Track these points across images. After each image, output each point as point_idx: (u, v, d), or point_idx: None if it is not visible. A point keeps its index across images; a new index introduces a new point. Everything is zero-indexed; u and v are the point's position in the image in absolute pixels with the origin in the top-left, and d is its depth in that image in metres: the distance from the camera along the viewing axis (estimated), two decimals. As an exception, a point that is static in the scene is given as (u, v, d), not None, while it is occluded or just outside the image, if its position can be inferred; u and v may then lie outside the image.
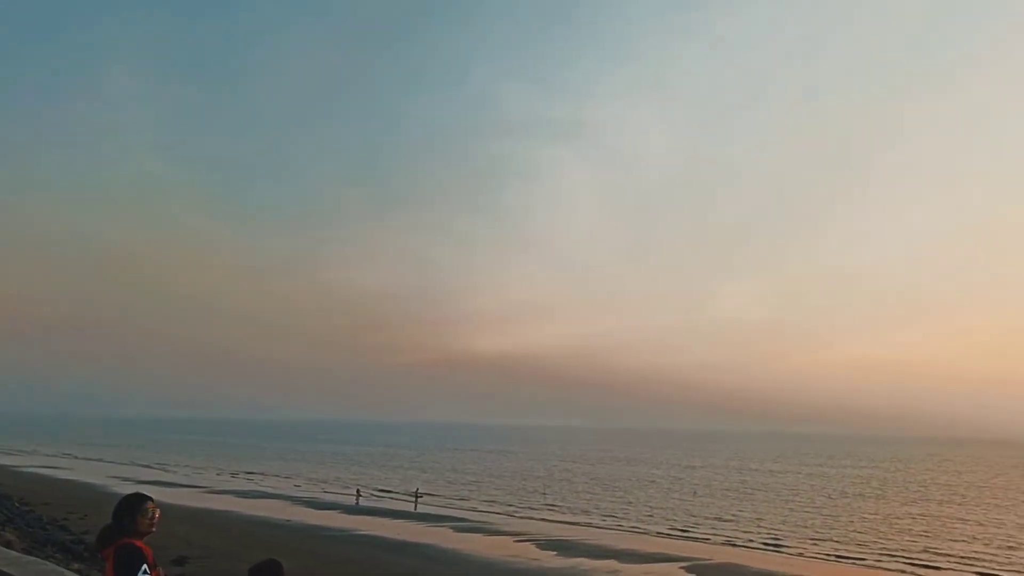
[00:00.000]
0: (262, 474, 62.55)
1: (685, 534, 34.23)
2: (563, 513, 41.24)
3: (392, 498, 47.10)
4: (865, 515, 42.08)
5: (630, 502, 47.16)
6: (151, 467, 66.84)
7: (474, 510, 41.96)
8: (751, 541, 32.37)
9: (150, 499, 5.06)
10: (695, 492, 54.16)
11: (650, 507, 44.49)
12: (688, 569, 24.74)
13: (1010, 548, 31.50)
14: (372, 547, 27.32)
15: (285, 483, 55.63)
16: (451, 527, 34.10)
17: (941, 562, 27.96)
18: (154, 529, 5.00)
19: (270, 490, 49.61)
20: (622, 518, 39.34)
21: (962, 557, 28.94)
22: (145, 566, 4.73)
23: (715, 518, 39.70)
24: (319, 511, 38.81)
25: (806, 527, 36.82)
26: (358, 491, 48.41)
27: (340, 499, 45.23)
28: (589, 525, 36.69)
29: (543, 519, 38.49)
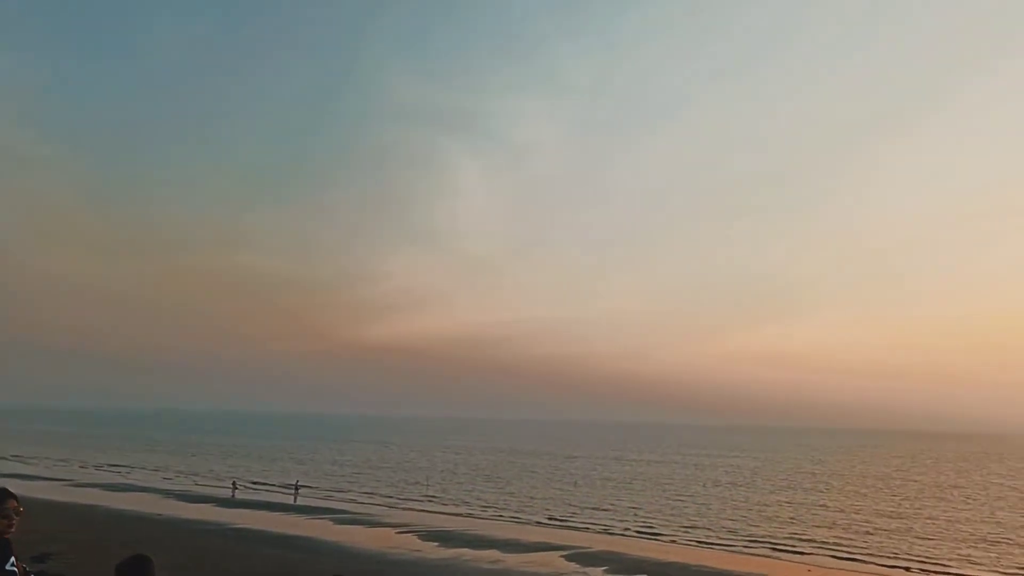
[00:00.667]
0: (129, 467, 60.03)
1: (565, 524, 34.96)
2: (445, 504, 41.39)
3: (270, 491, 46.08)
4: (736, 503, 43.97)
5: (511, 493, 47.74)
6: (7, 459, 63.04)
7: (354, 502, 41.57)
8: (627, 529, 33.39)
9: (12, 497, 4.82)
10: (576, 483, 55.27)
11: (531, 497, 45.17)
12: (569, 558, 25.28)
13: (868, 533, 33.53)
14: (250, 540, 26.69)
15: (154, 476, 53.58)
16: (331, 519, 33.68)
17: (804, 547, 29.54)
18: (12, 530, 4.77)
19: (139, 483, 47.68)
20: (503, 509, 39.80)
21: (823, 542, 30.64)
22: (13, 559, 4.53)
23: (594, 507, 40.70)
24: (192, 504, 37.59)
25: (680, 515, 38.22)
26: (234, 483, 47.15)
27: (214, 492, 43.94)
28: (471, 516, 36.97)
29: (425, 510, 38.53)
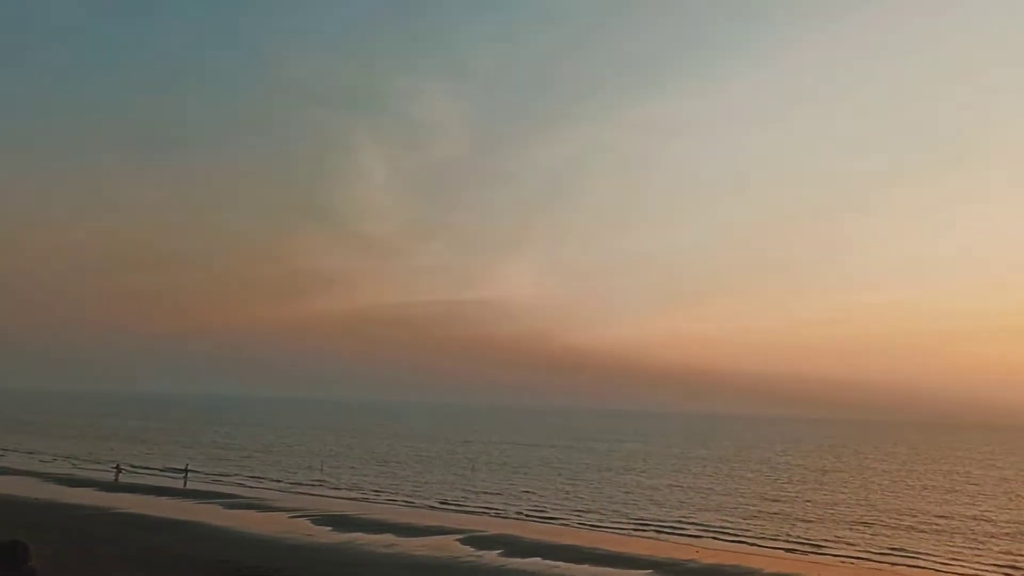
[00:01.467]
0: (1, 449, 57.17)
1: (460, 507, 35.36)
2: (338, 489, 41.21)
3: (157, 475, 44.81)
4: (628, 487, 45.28)
5: (406, 477, 47.86)
6: None
7: (245, 486, 40.92)
8: (522, 513, 34.06)
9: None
10: (473, 467, 55.75)
11: (426, 482, 45.40)
12: (464, 541, 25.63)
13: (751, 516, 35.10)
14: (135, 526, 26.01)
15: (29, 459, 51.31)
16: (221, 504, 33.10)
17: (691, 529, 30.77)
18: None
19: (12, 466, 45.57)
20: (398, 493, 39.92)
21: (708, 525, 31.95)
22: None
23: (489, 492, 41.25)
24: (73, 488, 36.30)
25: (573, 499, 39.18)
26: (118, 467, 45.57)
27: (96, 475, 42.46)
28: (365, 500, 36.98)
29: (318, 495, 38.31)
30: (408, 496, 38.82)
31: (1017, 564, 25.80)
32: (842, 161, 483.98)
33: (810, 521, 34.30)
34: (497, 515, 33.29)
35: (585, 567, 22.12)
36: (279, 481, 43.42)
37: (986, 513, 38.99)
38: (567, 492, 42.17)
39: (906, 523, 34.51)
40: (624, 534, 29.61)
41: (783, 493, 45.07)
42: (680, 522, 32.65)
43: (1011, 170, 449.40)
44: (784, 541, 28.89)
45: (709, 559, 24.20)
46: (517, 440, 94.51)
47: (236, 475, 46.03)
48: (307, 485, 42.15)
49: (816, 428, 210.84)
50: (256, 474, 46.75)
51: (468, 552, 23.84)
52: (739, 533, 30.25)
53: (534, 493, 41.25)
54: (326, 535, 26.08)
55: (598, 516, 33.85)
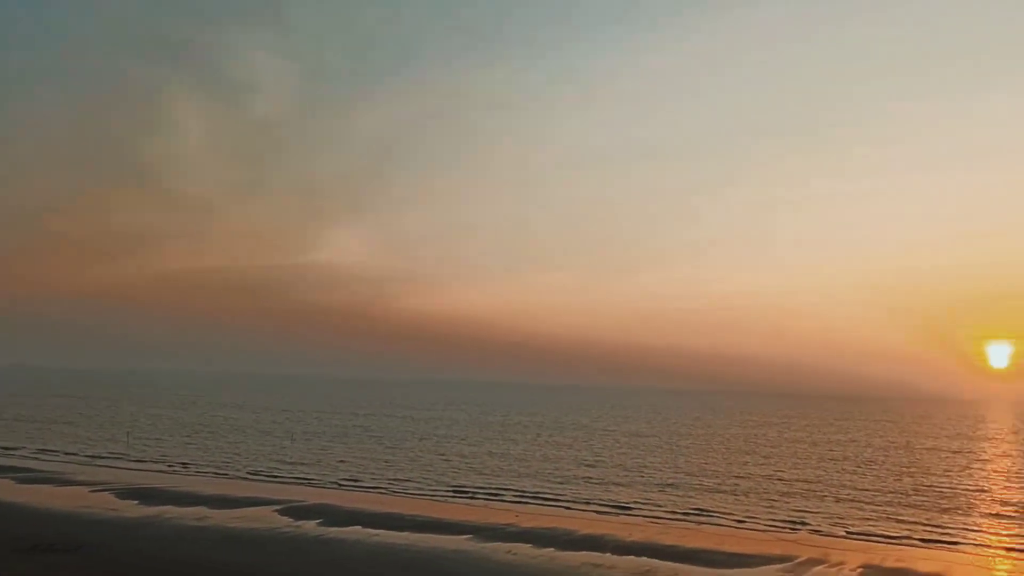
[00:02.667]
0: None
1: (277, 478, 34.87)
2: (143, 461, 39.50)
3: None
4: (448, 456, 46.04)
5: (219, 448, 46.51)
6: None
7: (40, 459, 38.36)
8: (341, 482, 34.09)
9: None
10: (293, 437, 54.81)
11: (241, 452, 44.32)
12: (282, 512, 25.30)
13: (566, 481, 36.65)
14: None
15: None
16: (14, 479, 30.94)
17: (506, 495, 31.80)
18: None
19: None
20: (210, 464, 38.73)
21: (524, 491, 33.14)
22: None
23: (305, 462, 40.80)
24: None
25: (392, 467, 39.46)
26: None
27: None
28: (174, 472, 35.70)
29: (121, 467, 36.58)
30: (220, 467, 37.76)
31: (804, 519, 28.45)
32: (695, 141, 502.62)
33: (621, 484, 36.27)
34: (315, 485, 33.08)
35: (405, 534, 22.41)
36: (76, 454, 41.03)
37: (779, 473, 42.62)
38: (387, 461, 42.39)
39: (708, 484, 37.18)
40: (444, 501, 30.20)
41: (599, 458, 47.29)
42: (500, 489, 33.62)
43: (865, 153, 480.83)
44: (597, 504, 30.43)
45: (528, 523, 25.15)
46: (338, 409, 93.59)
47: (27, 448, 43.05)
48: (109, 457, 40.11)
49: (645, 398, 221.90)
50: (51, 447, 43.89)
51: (287, 523, 23.56)
52: (556, 497, 31.59)
53: (352, 462, 41.19)
54: (132, 509, 24.97)
55: (417, 484, 34.33)
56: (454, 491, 32.63)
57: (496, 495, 31.82)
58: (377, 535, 22.24)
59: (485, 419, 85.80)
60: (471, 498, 31.09)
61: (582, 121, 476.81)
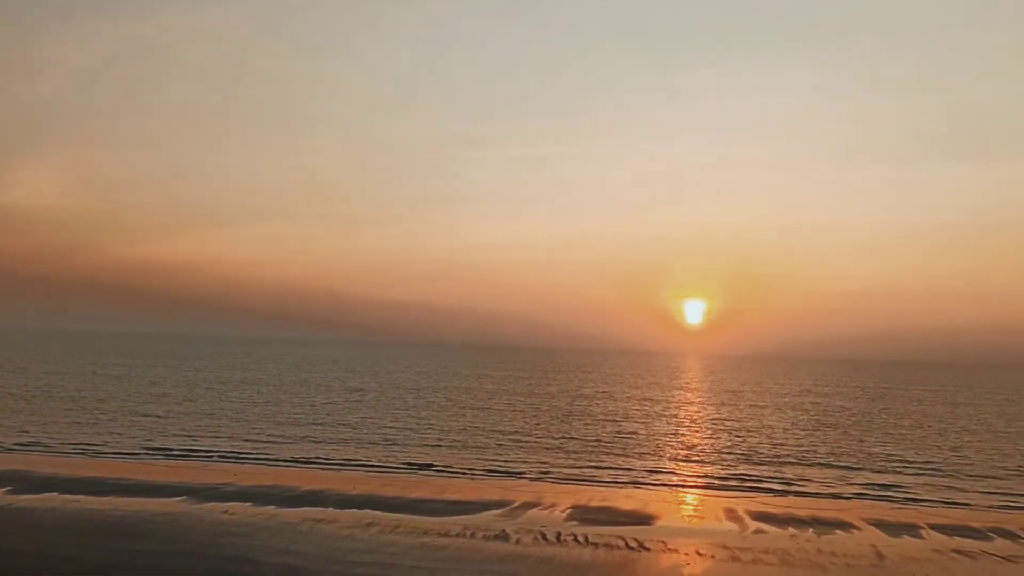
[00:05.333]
0: None
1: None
2: None
3: None
4: (151, 414, 43.90)
5: None
6: None
7: None
8: (19, 445, 31.57)
9: None
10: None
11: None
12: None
13: (279, 442, 36.50)
14: None
15: None
16: None
17: (219, 455, 31.19)
18: None
19: None
20: None
21: (241, 452, 32.68)
22: None
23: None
24: None
25: (83, 428, 37.06)
26: None
27: None
28: None
29: None
30: None
31: (519, 468, 30.66)
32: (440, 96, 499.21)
33: (343, 441, 36.78)
34: (4, 451, 30.39)
35: (110, 499, 21.43)
36: None
37: (496, 425, 45.20)
38: (80, 422, 39.60)
39: (429, 439, 38.72)
40: (150, 463, 28.99)
41: (318, 415, 47.34)
42: (211, 449, 32.82)
43: (590, 121, 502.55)
44: (320, 462, 30.77)
45: (247, 481, 24.95)
46: (25, 365, 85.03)
47: None
48: None
49: (368, 350, 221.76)
50: None
51: (-36, 493, 21.58)
52: (274, 457, 31.47)
53: (38, 423, 38.08)
54: None
55: (116, 447, 32.55)
56: (160, 452, 31.39)
57: (207, 454, 31.10)
58: (77, 501, 21.06)
59: (195, 376, 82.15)
60: (181, 459, 30.11)
61: (319, 69, 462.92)
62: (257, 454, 31.75)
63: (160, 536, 17.73)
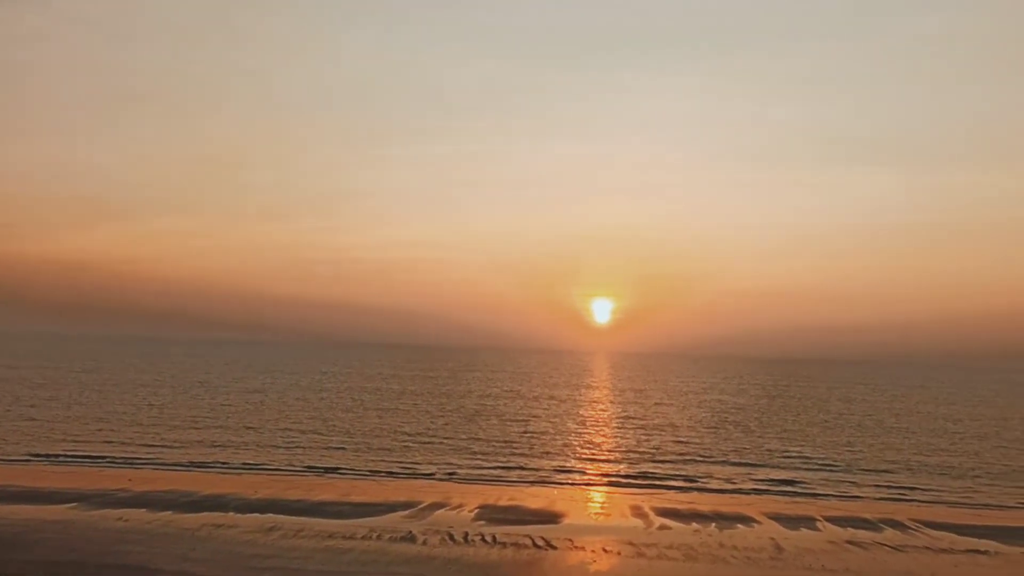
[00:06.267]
0: None
1: None
2: None
3: None
4: (37, 418, 42.20)
5: None
6: None
7: None
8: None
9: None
10: None
11: None
12: None
13: (177, 447, 35.58)
14: None
15: None
16: None
17: (114, 460, 30.23)
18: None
19: None
20: None
21: (135, 457, 31.73)
22: None
23: None
24: None
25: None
26: None
27: None
28: None
29: None
30: None
31: (426, 468, 30.64)
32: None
33: (246, 444, 36.07)
34: None
35: (-5, 507, 20.53)
36: None
37: (402, 425, 45.03)
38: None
39: (334, 441, 38.33)
40: (28, 468, 27.85)
41: (218, 418, 46.29)
42: (102, 455, 31.76)
43: (485, 119, 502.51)
44: (219, 466, 30.14)
45: (142, 487, 24.24)
46: None
47: None
48: None
49: (262, 350, 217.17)
50: None
51: None
52: (173, 462, 30.66)
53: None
54: None
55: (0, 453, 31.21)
56: (48, 458, 30.17)
57: (99, 459, 30.08)
58: (-44, 511, 20.09)
59: (86, 378, 79.13)
60: (72, 464, 29.03)
61: (216, 51, 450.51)
62: (153, 459, 30.85)
63: (52, 545, 17.07)
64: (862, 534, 21.04)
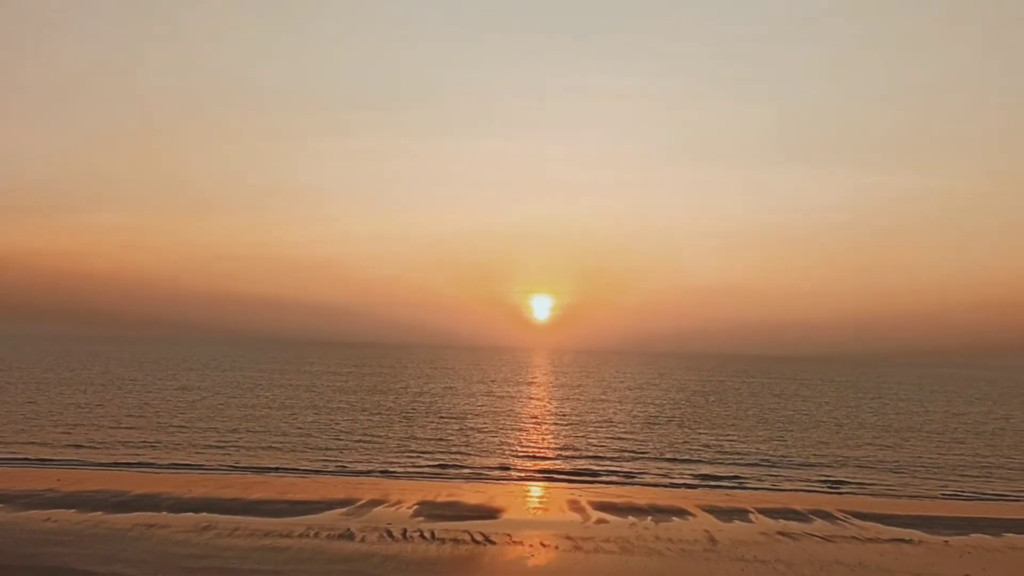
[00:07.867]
0: None
1: None
2: None
3: None
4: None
5: None
6: None
7: None
8: None
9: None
10: None
11: None
12: None
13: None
14: None
15: None
16: None
17: (44, 460, 29.55)
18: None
19: None
20: None
21: (67, 459, 31.03)
22: None
23: None
24: None
25: None
26: None
27: None
28: None
29: None
30: None
31: (365, 467, 30.58)
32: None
33: (176, 444, 35.53)
34: None
35: (-87, 510, 19.94)
36: None
37: (337, 423, 44.77)
38: None
39: (270, 441, 37.97)
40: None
41: (144, 416, 45.49)
42: (32, 453, 31.05)
43: (429, 117, 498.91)
44: (155, 465, 29.67)
45: (71, 487, 23.75)
46: None
47: None
48: None
49: (200, 348, 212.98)
50: None
51: None
52: (88, 459, 30.08)
53: None
54: None
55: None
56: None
57: (25, 460, 29.37)
58: None
59: (8, 376, 76.86)
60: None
61: (141, 42, 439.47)
62: (82, 459, 30.21)
63: (-26, 548, 16.69)
64: (793, 525, 21.67)
